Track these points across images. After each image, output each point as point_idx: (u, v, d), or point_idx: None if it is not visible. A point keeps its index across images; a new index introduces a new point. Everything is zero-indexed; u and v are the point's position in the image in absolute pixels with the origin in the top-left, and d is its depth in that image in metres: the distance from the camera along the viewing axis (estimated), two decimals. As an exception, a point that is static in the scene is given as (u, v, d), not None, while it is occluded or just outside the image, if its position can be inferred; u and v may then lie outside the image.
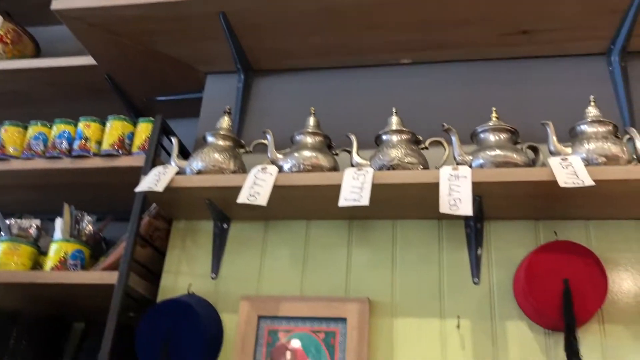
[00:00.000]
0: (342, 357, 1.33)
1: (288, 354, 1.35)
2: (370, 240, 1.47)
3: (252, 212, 1.49)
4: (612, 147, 1.27)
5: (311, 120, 1.51)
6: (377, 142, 1.46)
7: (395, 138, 1.42)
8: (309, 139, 1.46)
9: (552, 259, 1.25)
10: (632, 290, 1.29)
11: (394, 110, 1.48)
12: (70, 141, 1.66)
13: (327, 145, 1.49)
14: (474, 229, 1.40)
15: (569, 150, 1.31)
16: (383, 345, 1.34)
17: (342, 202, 1.27)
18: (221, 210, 1.50)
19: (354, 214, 1.48)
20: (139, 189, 1.40)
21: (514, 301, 1.33)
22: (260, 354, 1.36)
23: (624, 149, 1.28)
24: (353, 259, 1.46)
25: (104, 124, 1.67)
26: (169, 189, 1.40)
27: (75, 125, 1.68)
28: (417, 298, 1.37)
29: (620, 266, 1.32)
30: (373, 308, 1.38)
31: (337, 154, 1.49)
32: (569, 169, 1.21)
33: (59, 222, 1.61)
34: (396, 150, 1.38)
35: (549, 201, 1.31)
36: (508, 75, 1.64)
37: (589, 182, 1.17)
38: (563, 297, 1.20)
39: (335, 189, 1.30)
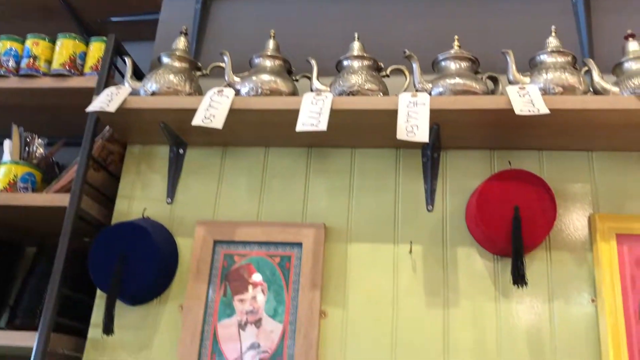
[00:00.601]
0: (297, 280, 1.35)
1: (250, 288, 1.36)
2: (329, 168, 1.47)
3: (209, 138, 1.47)
4: (569, 78, 1.28)
5: (271, 44, 1.46)
6: (338, 68, 1.43)
7: (356, 64, 1.40)
8: (268, 63, 1.42)
9: (503, 186, 1.27)
10: (579, 220, 1.33)
11: (356, 35, 1.45)
12: (18, 59, 1.58)
13: (287, 71, 1.45)
14: (430, 158, 1.40)
15: (527, 79, 1.31)
16: (337, 269, 1.36)
17: (300, 126, 1.25)
18: (177, 134, 1.47)
19: (312, 141, 1.47)
20: (91, 108, 1.35)
21: (465, 228, 1.35)
22: (215, 277, 1.37)
23: (581, 79, 1.29)
24: (311, 186, 1.46)
25: (53, 43, 1.59)
26: (122, 110, 1.36)
27: (23, 42, 1.60)
28: (372, 224, 1.39)
29: (569, 196, 1.35)
30: (329, 234, 1.39)
31: (297, 80, 1.46)
32: (526, 98, 1.21)
33: (7, 144, 1.56)
34: (357, 77, 1.36)
35: (505, 130, 1.32)
36: (472, 4, 1.61)
37: (544, 110, 1.17)
38: (512, 223, 1.23)
39: (294, 114, 1.28)
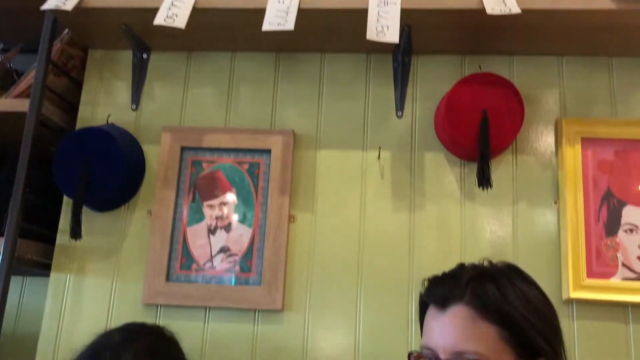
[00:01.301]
0: (266, 186, 1.35)
1: (219, 194, 1.35)
2: (298, 74, 1.44)
3: (173, 42, 1.41)
4: (543, -22, 1.25)
5: (236, -60, 1.39)
6: (307, -32, 1.37)
7: (326, -37, 1.34)
8: (234, -40, 1.36)
9: (472, 90, 1.26)
10: (546, 124, 1.34)
11: None
12: (-36, -43, 1.48)
13: (254, -30, 1.39)
14: (401, 63, 1.38)
15: (500, -20, 1.27)
16: (306, 175, 1.36)
17: (266, 26, 1.21)
18: (140, 37, 1.41)
19: (281, 45, 1.43)
20: (46, 6, 1.28)
21: (434, 134, 1.36)
22: (183, 184, 1.36)
23: (555, -20, 1.26)
24: (279, 92, 1.43)
25: (2, -62, 1.49)
26: (80, 10, 1.29)
27: (-31, -62, 1.49)
28: (341, 131, 1.38)
29: (537, 101, 1.35)
30: (298, 140, 1.38)
31: (264, -20, 1.40)
32: (498, -3, 1.19)
33: (-40, 49, 1.48)
34: (326, -25, 1.31)
35: (476, 33, 1.30)
36: None
37: (515, 9, 1.15)
38: (480, 126, 1.23)
39: (260, 14, 1.23)
